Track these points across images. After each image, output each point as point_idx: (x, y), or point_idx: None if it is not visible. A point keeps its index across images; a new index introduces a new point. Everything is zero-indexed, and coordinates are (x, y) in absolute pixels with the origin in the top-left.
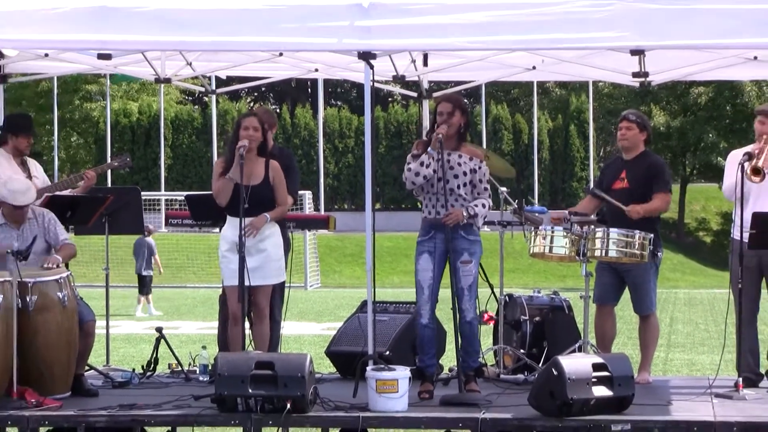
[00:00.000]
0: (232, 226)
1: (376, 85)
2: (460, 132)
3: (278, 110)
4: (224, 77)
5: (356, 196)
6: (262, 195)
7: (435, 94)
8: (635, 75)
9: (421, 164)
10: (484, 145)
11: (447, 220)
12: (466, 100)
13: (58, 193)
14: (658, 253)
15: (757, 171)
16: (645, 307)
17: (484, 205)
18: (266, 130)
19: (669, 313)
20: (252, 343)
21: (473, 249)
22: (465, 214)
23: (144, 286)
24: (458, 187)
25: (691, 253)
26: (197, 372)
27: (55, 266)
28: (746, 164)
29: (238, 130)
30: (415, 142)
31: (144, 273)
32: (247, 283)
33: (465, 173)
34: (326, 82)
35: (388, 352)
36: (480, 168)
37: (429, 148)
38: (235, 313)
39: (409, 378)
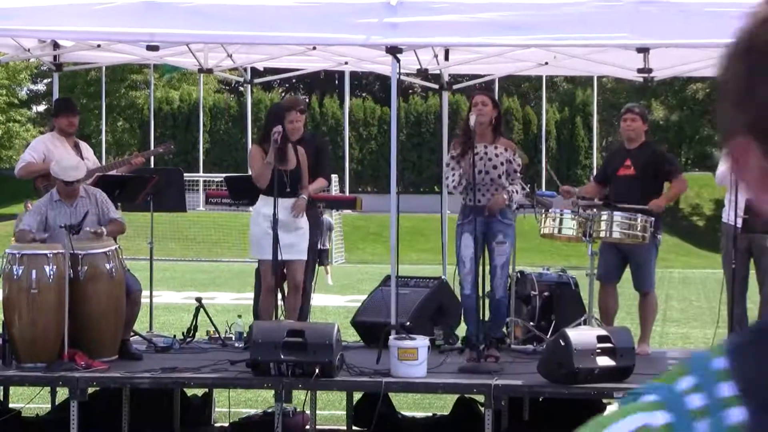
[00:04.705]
0: (268, 204)
1: (401, 77)
2: (494, 125)
3: (308, 100)
4: (261, 68)
5: (378, 180)
6: (300, 178)
7: (455, 86)
8: (640, 71)
9: (455, 174)
10: None
11: (492, 207)
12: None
13: (107, 173)
14: (658, 235)
15: None
16: (645, 284)
17: (516, 191)
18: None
19: (665, 291)
20: (284, 313)
21: (507, 231)
22: (506, 196)
23: (321, 258)
24: (498, 177)
25: (685, 236)
26: (233, 339)
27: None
28: None
29: (278, 122)
30: (453, 142)
31: (322, 247)
32: (283, 258)
33: (502, 163)
34: (351, 74)
35: (408, 323)
36: (514, 158)
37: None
38: (270, 284)
39: (428, 347)
